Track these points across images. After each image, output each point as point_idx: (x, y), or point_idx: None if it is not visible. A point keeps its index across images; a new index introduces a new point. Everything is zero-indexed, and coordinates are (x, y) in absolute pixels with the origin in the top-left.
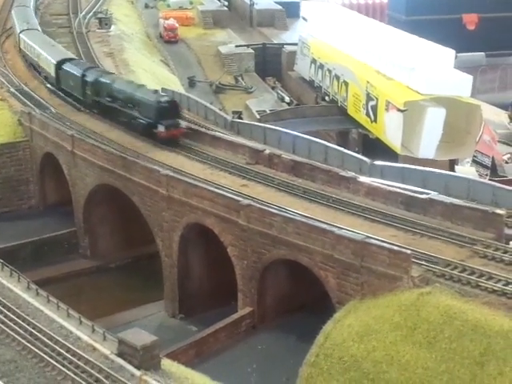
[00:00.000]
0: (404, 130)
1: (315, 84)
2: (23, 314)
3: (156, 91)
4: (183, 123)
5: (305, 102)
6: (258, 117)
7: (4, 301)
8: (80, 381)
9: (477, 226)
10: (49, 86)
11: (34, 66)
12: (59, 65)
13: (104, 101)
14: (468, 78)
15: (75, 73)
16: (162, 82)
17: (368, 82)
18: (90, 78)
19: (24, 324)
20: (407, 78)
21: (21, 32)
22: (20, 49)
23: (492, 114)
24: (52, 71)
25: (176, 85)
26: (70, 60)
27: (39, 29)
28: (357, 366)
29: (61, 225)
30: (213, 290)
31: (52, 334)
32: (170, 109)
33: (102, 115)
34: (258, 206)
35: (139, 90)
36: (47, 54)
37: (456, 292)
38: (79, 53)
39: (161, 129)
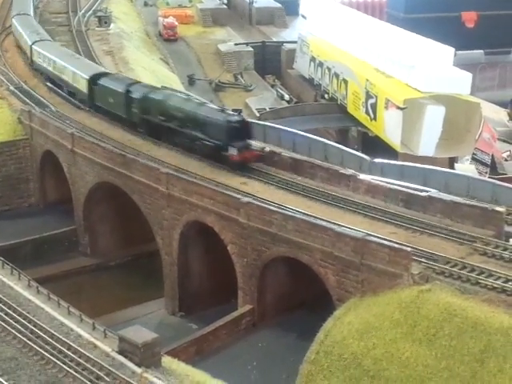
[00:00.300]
0: (403, 128)
1: (315, 82)
2: (24, 312)
3: (223, 109)
4: (255, 144)
5: (304, 100)
6: (257, 115)
7: (5, 299)
8: (81, 378)
9: (476, 224)
10: (73, 100)
11: (51, 80)
12: (93, 80)
13: (155, 120)
14: (467, 76)
15: (117, 89)
16: (161, 80)
17: (367, 80)
18: (136, 94)
19: (25, 322)
20: (406, 75)
21: (33, 43)
22: (32, 61)
23: (491, 112)
24: (83, 87)
25: (176, 83)
26: (105, 74)
27: (50, 39)
28: (357, 363)
29: (61, 223)
30: (213, 288)
31: (53, 332)
32: (241, 129)
33: (152, 135)
34: (258, 203)
35: (202, 108)
36: (76, 69)
37: (456, 289)
38: (79, 51)
39: (233, 152)
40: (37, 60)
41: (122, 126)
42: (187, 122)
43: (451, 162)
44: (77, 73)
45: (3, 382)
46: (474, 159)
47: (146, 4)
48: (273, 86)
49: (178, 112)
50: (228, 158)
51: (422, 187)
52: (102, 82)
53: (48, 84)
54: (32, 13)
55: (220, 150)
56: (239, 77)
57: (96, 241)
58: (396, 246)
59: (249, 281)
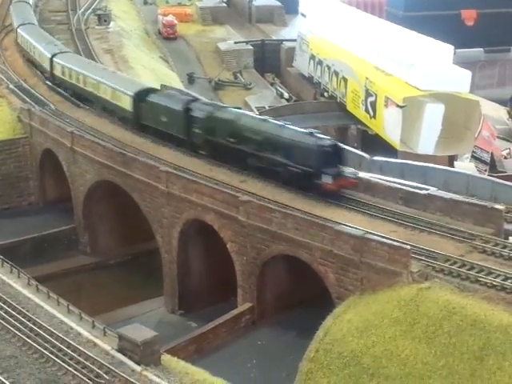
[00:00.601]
0: (403, 126)
1: (314, 80)
2: (23, 310)
3: (311, 132)
4: (347, 170)
5: (304, 98)
6: (257, 113)
7: (4, 297)
8: (81, 376)
9: (476, 222)
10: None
11: (77, 94)
12: (140, 97)
13: (223, 141)
14: (467, 74)
15: (173, 106)
16: (161, 78)
17: (367, 78)
18: (198, 113)
19: (24, 320)
20: (406, 73)
21: (54, 56)
22: (53, 76)
23: (491, 110)
24: (127, 105)
25: (175, 81)
26: (154, 91)
27: (70, 50)
28: (356, 361)
29: (60, 221)
30: (212, 286)
31: (52, 330)
32: (334, 154)
33: (216, 158)
34: (258, 201)
35: (285, 130)
36: (116, 85)
37: (455, 287)
38: (78, 49)
39: (326, 179)
40: (59, 74)
41: (127, 127)
42: (266, 145)
43: (451, 160)
44: (118, 89)
45: (3, 380)
46: (474, 157)
47: (145, 2)
48: (272, 85)
49: (254, 134)
50: (321, 187)
51: (421, 185)
52: (152, 98)
53: (48, 83)
54: (36, 22)
55: (310, 178)
56: (239, 75)
57: (96, 239)
58: (395, 244)
59: (248, 279)
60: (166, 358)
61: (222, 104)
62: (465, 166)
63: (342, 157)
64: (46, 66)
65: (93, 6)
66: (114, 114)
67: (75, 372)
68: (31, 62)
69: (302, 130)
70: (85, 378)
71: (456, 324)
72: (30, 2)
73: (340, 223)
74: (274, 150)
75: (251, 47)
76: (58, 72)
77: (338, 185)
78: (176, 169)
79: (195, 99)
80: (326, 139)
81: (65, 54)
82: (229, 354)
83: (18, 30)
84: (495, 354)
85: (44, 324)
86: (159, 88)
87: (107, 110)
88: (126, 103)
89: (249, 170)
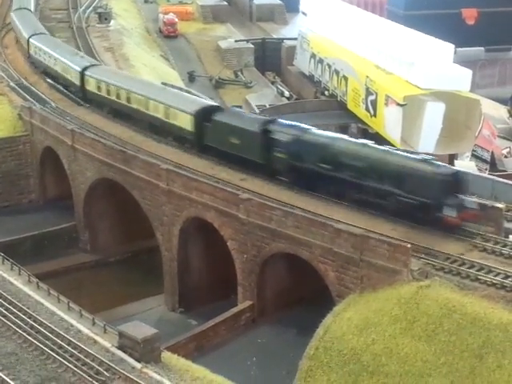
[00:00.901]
0: (403, 125)
1: (315, 79)
2: (24, 307)
3: (425, 159)
4: (468, 200)
5: (304, 97)
6: (257, 111)
7: (5, 294)
8: (81, 373)
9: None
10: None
11: (117, 111)
12: (203, 116)
13: (313, 168)
14: (467, 73)
15: (247, 127)
16: (161, 76)
17: (367, 77)
18: (281, 135)
19: (25, 317)
20: (406, 72)
21: (85, 70)
22: (84, 90)
23: (491, 109)
24: (187, 124)
25: (176, 80)
26: (218, 109)
27: (101, 63)
28: (356, 358)
29: (61, 219)
30: (212, 284)
31: (53, 327)
32: (456, 184)
33: (303, 185)
34: (258, 199)
35: (392, 155)
36: (173, 102)
37: (455, 285)
38: (79, 48)
39: (450, 212)
40: (93, 89)
41: (123, 122)
42: (370, 172)
43: (451, 159)
44: (174, 106)
45: (3, 376)
46: (474, 156)
47: (146, 0)
48: (273, 83)
49: (355, 160)
50: (442, 220)
51: None
52: (219, 118)
53: (48, 80)
54: (47, 32)
55: (428, 210)
56: (239, 73)
57: (96, 237)
58: (395, 242)
59: (248, 277)
60: (167, 356)
61: (305, 126)
62: (465, 164)
63: (464, 186)
64: (75, 79)
65: (93, 4)
66: (167, 133)
67: (75, 369)
68: (49, 75)
69: (413, 155)
70: (85, 375)
71: (456, 322)
72: (32, 9)
73: (340, 221)
74: (379, 178)
75: (252, 45)
76: (91, 87)
77: (462, 218)
78: (176, 166)
79: (272, 120)
80: (446, 167)
81: (98, 67)
82: (229, 352)
83: (33, 41)
84: (495, 352)
85: (44, 321)
86: (219, 105)
87: (157, 128)
88: (186, 122)
89: (345, 198)
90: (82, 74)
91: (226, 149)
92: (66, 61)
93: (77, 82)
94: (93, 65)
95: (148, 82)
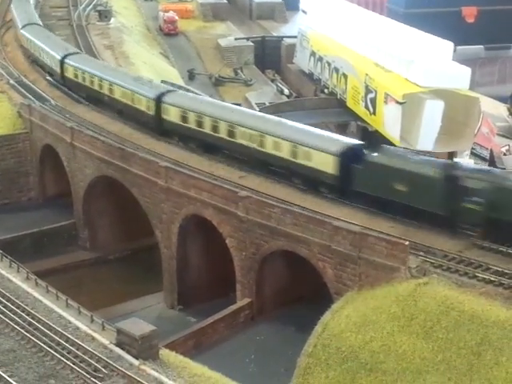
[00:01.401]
0: (403, 123)
1: (314, 76)
2: (22, 305)
3: None
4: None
5: (304, 95)
6: (257, 109)
7: (3, 291)
8: (79, 370)
9: None
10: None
11: (204, 144)
12: (351, 157)
13: None
14: (467, 71)
15: (420, 172)
16: (161, 74)
17: (367, 75)
18: (474, 183)
19: (23, 314)
20: (406, 70)
21: (161, 97)
22: (161, 120)
23: (491, 107)
24: (329, 167)
25: (176, 77)
26: (368, 147)
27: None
28: (354, 356)
29: (60, 216)
30: (211, 282)
31: (51, 324)
32: None
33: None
34: (257, 197)
35: None
36: (299, 141)
37: (453, 283)
38: (79, 45)
39: None
40: (169, 117)
41: (123, 120)
42: None
43: (450, 157)
44: (305, 144)
45: (2, 373)
46: (473, 154)
47: None
48: (273, 81)
49: None
50: None
51: None
52: (376, 159)
53: (48, 78)
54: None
55: None
56: (239, 71)
57: (95, 234)
58: (394, 239)
59: (247, 274)
60: (165, 353)
61: (500, 170)
62: (464, 162)
63: None
64: (149, 106)
65: (94, 2)
66: (293, 176)
67: (73, 366)
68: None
69: None
70: (83, 372)
71: (454, 319)
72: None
73: (339, 218)
74: None
75: (252, 43)
76: (168, 115)
77: None
78: (175, 164)
79: (453, 164)
80: None
81: (176, 92)
82: (227, 349)
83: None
84: (492, 349)
85: (43, 318)
86: (362, 142)
87: (284, 173)
88: (327, 164)
89: None
90: (157, 103)
91: (386, 196)
92: (142, 90)
93: (146, 110)
94: (171, 90)
95: (243, 110)
